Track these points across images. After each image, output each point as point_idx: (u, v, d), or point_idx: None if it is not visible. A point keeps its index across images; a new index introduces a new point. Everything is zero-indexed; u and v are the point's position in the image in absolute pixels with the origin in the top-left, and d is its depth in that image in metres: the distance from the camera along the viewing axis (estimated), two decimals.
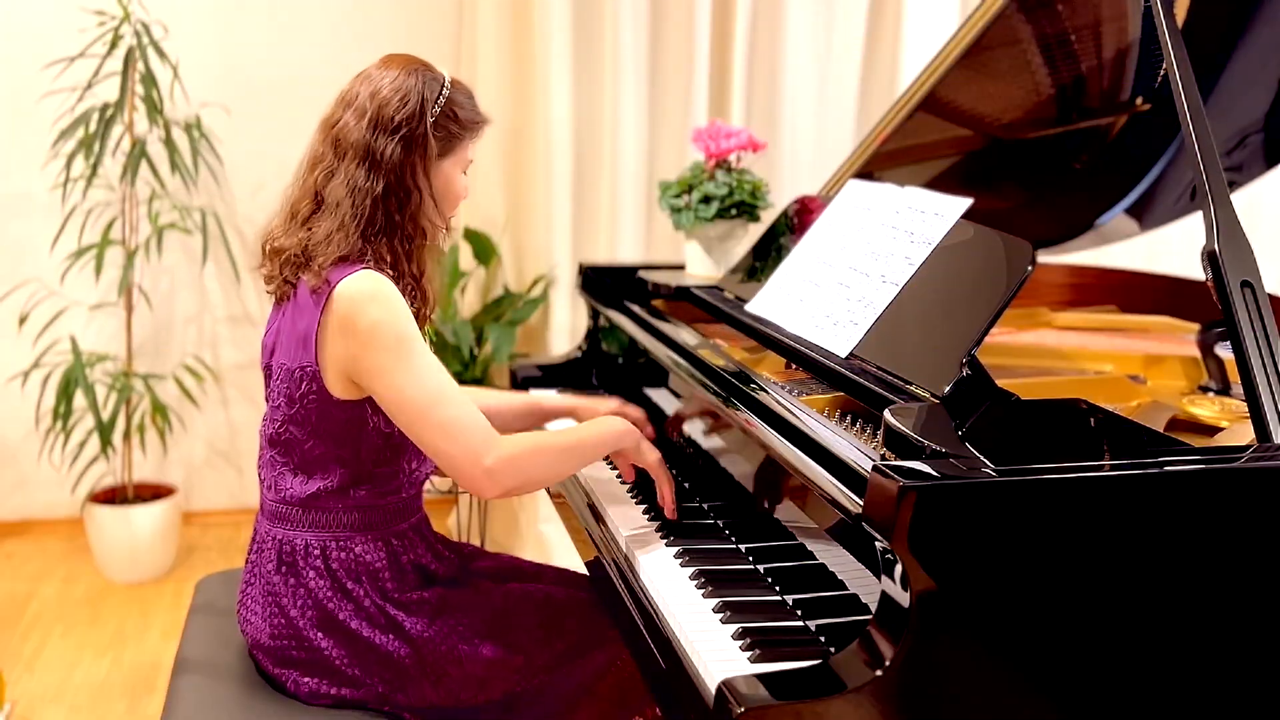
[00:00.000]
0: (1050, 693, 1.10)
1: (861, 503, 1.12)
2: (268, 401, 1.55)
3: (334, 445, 1.49)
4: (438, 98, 1.51)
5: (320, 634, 1.49)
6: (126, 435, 3.25)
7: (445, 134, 1.52)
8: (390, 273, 1.48)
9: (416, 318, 1.51)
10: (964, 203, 1.57)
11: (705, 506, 1.61)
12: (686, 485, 1.70)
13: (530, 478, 1.50)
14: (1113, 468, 1.10)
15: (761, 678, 1.08)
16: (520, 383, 2.31)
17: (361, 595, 1.50)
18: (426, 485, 1.64)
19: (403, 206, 1.49)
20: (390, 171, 1.47)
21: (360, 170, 1.47)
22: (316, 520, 1.51)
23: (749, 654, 1.19)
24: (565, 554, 3.03)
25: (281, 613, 1.50)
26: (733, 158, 2.35)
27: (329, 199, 1.48)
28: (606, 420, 1.62)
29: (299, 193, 1.53)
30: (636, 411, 1.80)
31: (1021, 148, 2.27)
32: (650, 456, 1.60)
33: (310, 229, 1.49)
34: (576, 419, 1.81)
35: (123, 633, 2.89)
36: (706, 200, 2.27)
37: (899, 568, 1.05)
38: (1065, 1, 1.92)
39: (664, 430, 1.90)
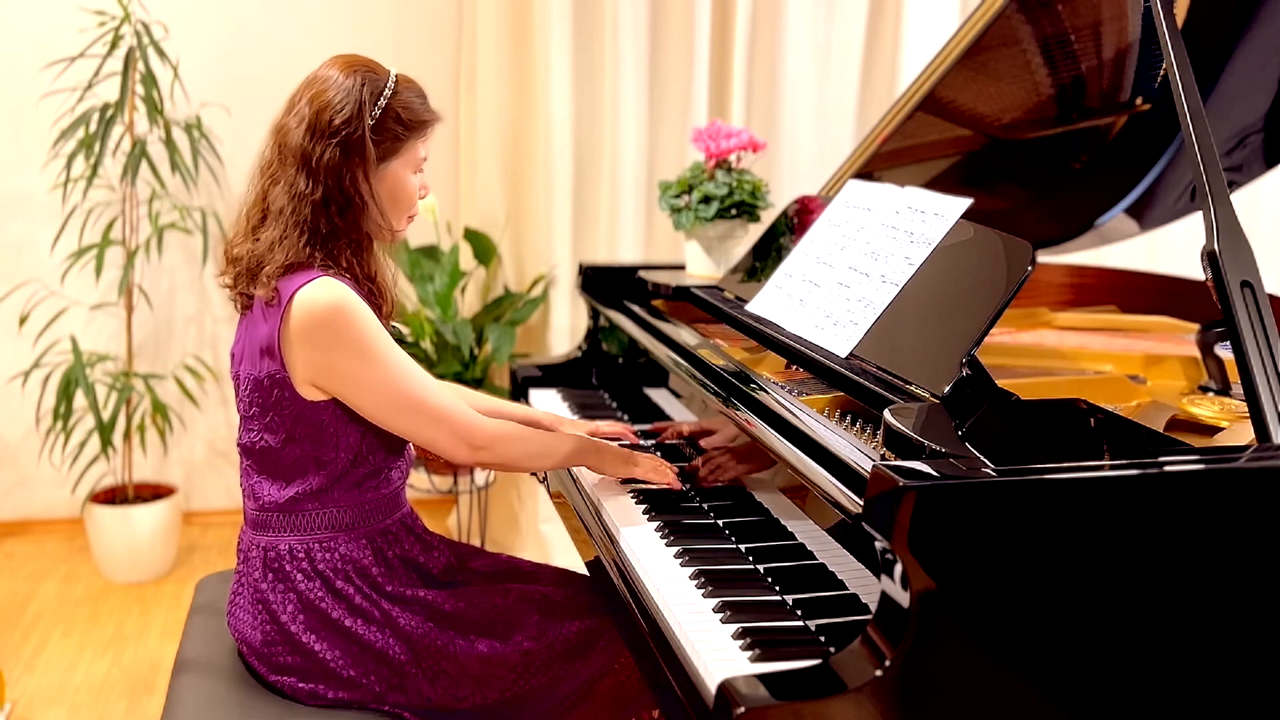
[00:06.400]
0: (1050, 692, 1.10)
1: (861, 503, 1.12)
2: (239, 411, 1.54)
3: (311, 448, 1.49)
4: (377, 99, 1.48)
5: (314, 637, 1.49)
6: (126, 435, 3.26)
7: (391, 135, 1.49)
8: (346, 277, 1.47)
9: (379, 317, 1.50)
10: (964, 203, 1.57)
11: (705, 506, 1.61)
12: (686, 485, 1.70)
13: (511, 460, 1.58)
14: (1113, 468, 1.10)
15: (761, 678, 1.08)
16: (520, 383, 2.31)
17: (352, 593, 1.50)
18: (426, 486, 1.65)
19: (344, 212, 1.47)
20: (328, 176, 1.45)
21: (300, 176, 1.46)
22: (298, 524, 1.51)
23: (749, 654, 1.19)
24: (565, 554, 3.03)
25: (273, 620, 1.50)
26: (733, 158, 2.35)
27: (273, 206, 1.48)
28: (584, 439, 1.66)
29: (251, 199, 1.53)
30: (610, 428, 1.87)
31: (1021, 148, 2.27)
32: (612, 468, 1.65)
33: (257, 238, 1.48)
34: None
35: (123, 633, 2.89)
36: (706, 200, 2.27)
37: (899, 568, 1.05)
38: (1065, 1, 1.92)
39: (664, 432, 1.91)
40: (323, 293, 1.42)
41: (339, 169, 1.46)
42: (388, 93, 1.48)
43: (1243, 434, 1.40)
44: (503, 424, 1.57)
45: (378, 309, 1.51)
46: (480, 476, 3.02)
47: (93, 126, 3.07)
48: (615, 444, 1.72)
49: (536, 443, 1.60)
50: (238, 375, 1.53)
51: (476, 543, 3.28)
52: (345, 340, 1.42)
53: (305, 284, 1.43)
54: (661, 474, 1.64)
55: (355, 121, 1.46)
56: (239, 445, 1.55)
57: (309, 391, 1.46)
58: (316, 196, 1.45)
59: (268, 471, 1.52)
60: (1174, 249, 3.51)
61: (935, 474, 1.06)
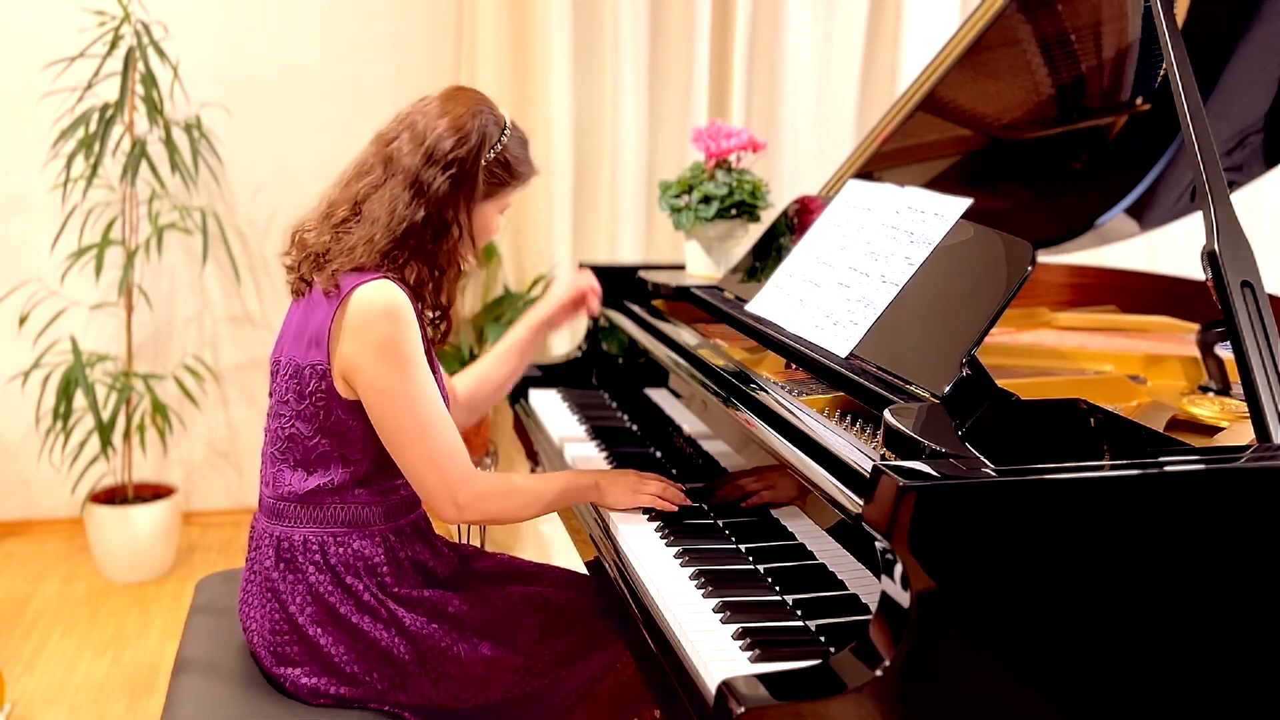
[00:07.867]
0: (1050, 692, 1.10)
1: (861, 503, 1.12)
2: (272, 396, 1.56)
3: (339, 443, 1.50)
4: (495, 142, 1.54)
5: (320, 630, 1.49)
6: (126, 435, 3.25)
7: (495, 179, 1.55)
8: (407, 290, 1.49)
9: (437, 342, 1.56)
10: (964, 203, 1.57)
11: (705, 506, 1.61)
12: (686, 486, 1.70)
13: (496, 517, 1.56)
14: (1113, 468, 1.10)
15: (761, 678, 1.08)
16: (520, 383, 2.30)
17: (361, 589, 1.50)
18: None
19: (438, 239, 1.52)
20: (434, 203, 1.50)
21: (405, 194, 1.50)
22: (314, 516, 1.52)
23: (749, 654, 1.19)
24: (565, 554, 3.03)
25: (281, 609, 1.50)
26: (733, 158, 2.35)
27: (367, 212, 1.51)
28: (579, 475, 1.62)
29: (340, 196, 1.56)
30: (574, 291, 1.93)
31: (1021, 148, 2.27)
32: (616, 501, 1.60)
33: (339, 234, 1.52)
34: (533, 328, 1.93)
35: (123, 633, 2.89)
36: (706, 200, 2.27)
37: (899, 568, 1.05)
38: (1065, 1, 1.92)
39: (666, 434, 1.90)
40: (381, 293, 1.46)
41: (445, 198, 1.51)
42: (504, 138, 1.55)
43: (1243, 434, 1.40)
44: (492, 480, 1.53)
45: (440, 334, 1.57)
46: None
47: (92, 126, 3.07)
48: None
49: (525, 495, 1.57)
50: (278, 360, 1.55)
51: (476, 543, 3.27)
52: (382, 341, 1.44)
53: (366, 282, 1.46)
54: (669, 500, 1.60)
55: (473, 159, 1.52)
56: (266, 431, 1.57)
57: (342, 386, 1.48)
58: (417, 218, 1.49)
59: (292, 459, 1.53)
60: (1174, 249, 3.51)
61: (935, 474, 1.06)
